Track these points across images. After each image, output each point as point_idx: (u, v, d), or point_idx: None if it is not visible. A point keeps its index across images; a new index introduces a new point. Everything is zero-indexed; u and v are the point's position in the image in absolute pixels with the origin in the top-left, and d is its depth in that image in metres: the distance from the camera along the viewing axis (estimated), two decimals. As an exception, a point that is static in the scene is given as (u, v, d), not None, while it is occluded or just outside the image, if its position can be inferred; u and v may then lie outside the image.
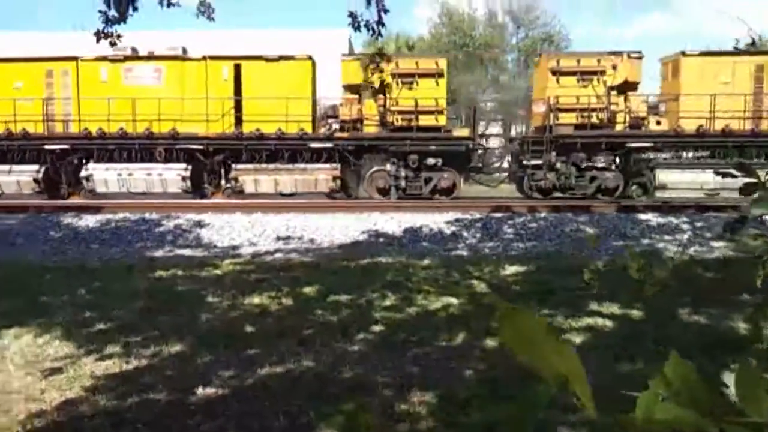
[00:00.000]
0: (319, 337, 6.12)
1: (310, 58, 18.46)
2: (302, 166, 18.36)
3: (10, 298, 7.83)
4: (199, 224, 13.52)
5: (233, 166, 18.45)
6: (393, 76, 17.61)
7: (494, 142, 20.78)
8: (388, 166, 18.34)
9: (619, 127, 18.48)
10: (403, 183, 18.15)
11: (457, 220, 13.68)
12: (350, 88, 18.72)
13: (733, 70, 17.79)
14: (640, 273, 2.60)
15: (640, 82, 19.13)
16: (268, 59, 18.28)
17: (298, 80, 18.18)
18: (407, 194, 18.13)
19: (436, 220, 13.59)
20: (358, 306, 7.34)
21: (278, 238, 12.59)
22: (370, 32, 6.50)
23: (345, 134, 18.37)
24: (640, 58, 18.47)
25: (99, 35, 5.50)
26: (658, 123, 18.63)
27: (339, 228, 13.20)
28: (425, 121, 17.93)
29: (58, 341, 6.13)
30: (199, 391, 4.85)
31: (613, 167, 18.38)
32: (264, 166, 18.40)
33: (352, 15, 6.29)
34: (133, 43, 18.00)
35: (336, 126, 18.73)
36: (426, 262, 10.13)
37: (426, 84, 17.87)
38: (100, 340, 6.11)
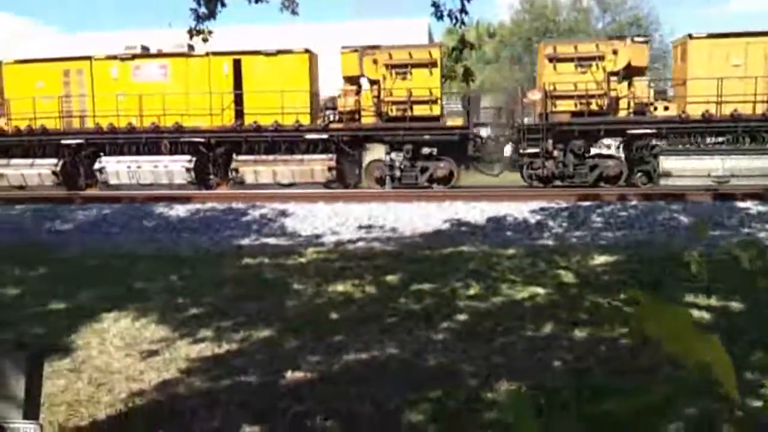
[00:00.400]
0: (403, 325, 6.12)
1: (307, 51, 18.80)
2: (299, 156, 18.79)
3: (108, 284, 8.24)
4: (284, 213, 13.80)
5: (234, 157, 19.08)
6: (387, 66, 17.81)
7: (485, 132, 20.05)
8: (383, 156, 18.56)
9: (623, 114, 17.77)
10: (398, 173, 18.20)
11: (542, 208, 13.37)
12: (349, 80, 18.85)
13: (745, 51, 16.85)
14: (752, 264, 2.42)
15: (647, 67, 18.54)
16: (267, 54, 18.88)
17: (296, 73, 18.63)
18: (403, 184, 18.12)
19: (520, 209, 13.34)
20: (441, 295, 7.30)
21: (360, 227, 12.69)
22: (453, 21, 6.44)
23: (339, 125, 18.60)
24: (645, 42, 18.09)
25: (191, 32, 5.67)
26: (666, 108, 17.80)
27: (420, 217, 13.17)
28: (419, 111, 17.95)
29: (154, 325, 6.40)
30: (288, 375, 4.94)
31: (615, 154, 17.86)
32: (263, 157, 18.91)
33: (435, 4, 6.24)
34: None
35: (332, 117, 18.93)
36: (510, 251, 9.96)
37: (420, 74, 17.81)
38: (193, 324, 6.34)
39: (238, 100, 19.16)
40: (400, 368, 5.08)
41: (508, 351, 5.44)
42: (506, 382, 4.66)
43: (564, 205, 13.67)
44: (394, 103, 17.93)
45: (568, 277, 8.13)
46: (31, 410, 2.78)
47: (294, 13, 6.15)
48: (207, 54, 18.88)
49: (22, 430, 2.71)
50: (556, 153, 17.75)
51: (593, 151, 18.74)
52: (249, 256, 9.96)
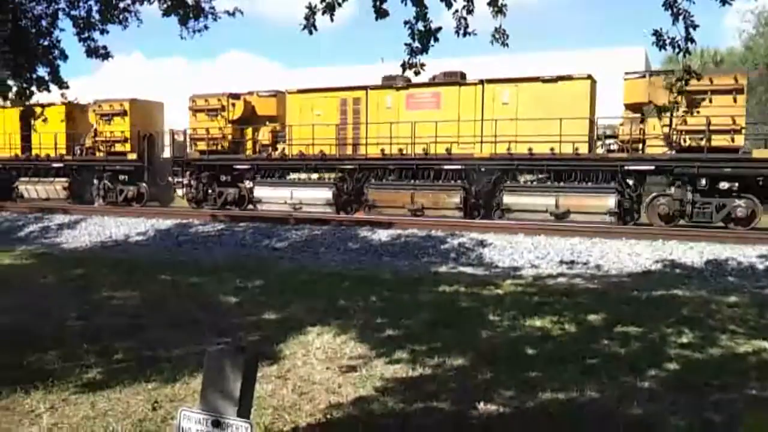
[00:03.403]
0: (605, 368, 5.74)
1: (589, 77, 17.43)
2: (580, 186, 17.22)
3: (314, 299, 8.78)
4: (482, 243, 13.76)
5: (503, 187, 17.84)
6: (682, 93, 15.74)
7: None
8: (673, 190, 16.47)
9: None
10: (689, 209, 16.02)
11: (772, 254, 11.91)
12: (632, 107, 17.30)
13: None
14: None
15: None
16: (544, 80, 17.63)
17: (576, 100, 17.17)
18: (694, 221, 16.06)
19: (746, 253, 11.99)
20: (649, 340, 6.76)
21: (562, 262, 12.24)
22: (676, 50, 6.01)
23: (623, 154, 16.95)
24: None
25: (404, 65, 5.89)
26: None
27: (628, 255, 12.38)
28: (719, 141, 15.81)
29: (353, 342, 6.66)
30: (480, 406, 4.85)
31: None
32: (535, 186, 17.75)
33: (656, 33, 5.88)
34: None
35: (615, 146, 17.44)
36: (732, 299, 8.97)
37: (721, 101, 15.67)
38: (389, 345, 6.50)
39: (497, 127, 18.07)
40: (600, 413, 4.75)
41: (725, 408, 4.86)
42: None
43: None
44: (688, 132, 16.11)
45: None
46: (244, 409, 3.01)
47: (504, 45, 6.13)
48: (481, 81, 18.46)
49: (236, 427, 2.93)
50: None
51: None
52: (446, 283, 10.04)
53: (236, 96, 22.04)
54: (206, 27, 8.30)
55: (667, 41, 5.90)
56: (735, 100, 15.67)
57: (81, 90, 11.42)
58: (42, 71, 8.50)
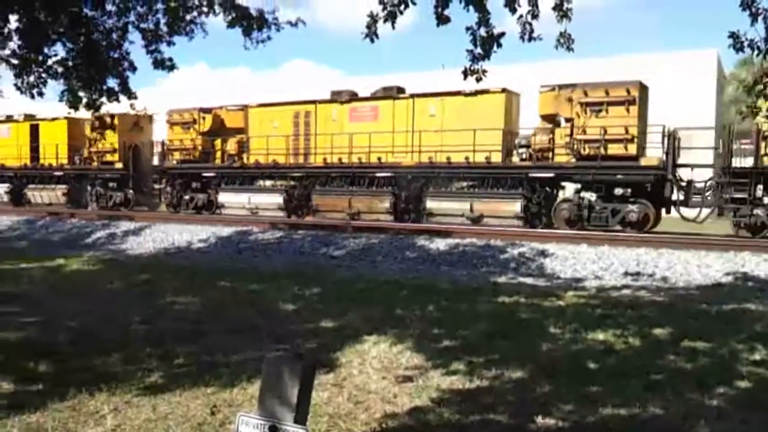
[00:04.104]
0: (671, 385, 5.52)
1: (504, 90, 18.21)
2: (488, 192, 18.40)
3: (371, 307, 8.77)
4: (543, 253, 13.51)
5: (427, 193, 19.17)
6: (581, 104, 16.87)
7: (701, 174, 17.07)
8: (572, 196, 17.65)
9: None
10: (585, 213, 17.00)
11: None
12: (545, 118, 18.23)
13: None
14: None
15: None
16: (465, 94, 18.25)
17: (491, 112, 18.29)
18: (593, 225, 16.87)
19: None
20: (718, 356, 6.47)
21: (626, 273, 11.89)
22: (755, 51, 5.79)
23: (528, 163, 18.03)
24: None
25: (466, 72, 5.84)
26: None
27: (697, 266, 11.93)
28: (614, 150, 16.65)
29: (409, 351, 6.61)
30: (539, 420, 4.73)
31: None
32: (453, 192, 19.05)
33: (733, 35, 5.67)
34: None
35: (526, 155, 18.42)
36: (812, 315, 8.52)
37: (616, 112, 16.62)
38: (446, 355, 6.42)
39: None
40: (664, 431, 4.56)
41: (803, 432, 4.59)
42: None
43: None
44: (587, 141, 17.00)
45: None
46: (300, 416, 3.00)
47: (569, 49, 6.00)
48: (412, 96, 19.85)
49: (292, 433, 2.93)
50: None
51: None
52: (505, 294, 9.88)
53: (207, 110, 24.26)
54: (269, 38, 8.47)
55: (745, 43, 5.69)
56: (628, 111, 16.55)
57: (147, 100, 11.86)
58: (112, 82, 8.83)
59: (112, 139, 24.75)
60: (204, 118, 23.83)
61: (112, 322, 7.81)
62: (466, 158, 18.29)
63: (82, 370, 5.83)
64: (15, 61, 8.63)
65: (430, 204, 18.92)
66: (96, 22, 8.69)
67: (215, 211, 23.20)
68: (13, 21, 8.32)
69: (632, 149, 16.58)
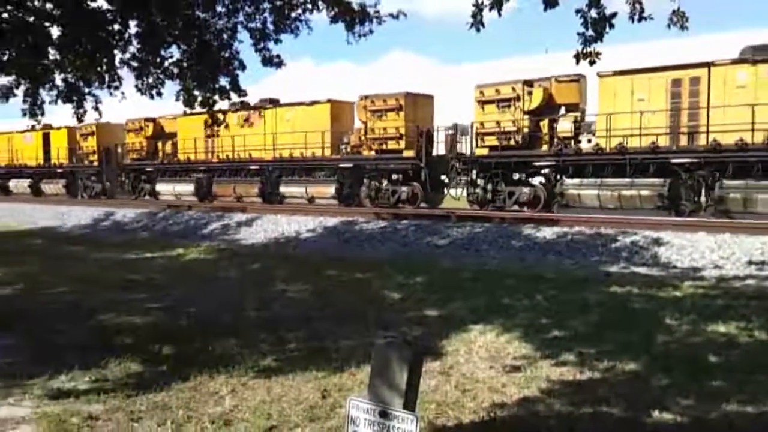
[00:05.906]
0: (803, 382, 5.14)
1: (329, 101, 23.79)
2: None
3: (477, 296, 8.73)
4: (657, 242, 12.87)
5: (281, 180, 24.87)
6: (369, 111, 21.81)
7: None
8: (364, 181, 22.81)
9: (544, 147, 19.06)
10: (373, 194, 22.38)
11: None
12: (362, 122, 22.71)
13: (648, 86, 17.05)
14: None
15: (578, 103, 19.09)
16: (305, 104, 24.32)
17: (320, 118, 23.83)
18: (379, 203, 21.95)
19: None
20: None
21: (750, 263, 11.12)
22: None
23: (338, 156, 23.38)
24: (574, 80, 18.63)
25: (578, 56, 5.64)
26: (589, 141, 18.31)
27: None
28: (392, 145, 21.67)
29: (517, 341, 6.53)
30: (655, 414, 4.55)
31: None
32: (294, 179, 24.50)
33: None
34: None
35: (344, 150, 23.53)
36: None
37: (392, 116, 21.54)
38: (555, 346, 6.29)
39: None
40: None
41: None
42: None
43: None
44: (374, 139, 22.00)
45: None
46: (409, 402, 3.04)
47: (683, 28, 5.65)
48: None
49: (402, 419, 2.97)
50: (480, 182, 20.34)
51: None
52: (616, 284, 9.54)
53: (151, 119, 29.47)
54: (371, 31, 8.56)
55: None
56: (398, 115, 21.42)
57: (254, 96, 12.28)
58: (223, 81, 9.23)
59: (92, 143, 32.01)
60: (148, 125, 29.70)
61: (228, 308, 8.21)
62: (301, 153, 24.06)
63: (202, 352, 6.17)
64: (135, 64, 9.18)
65: (283, 189, 24.66)
66: (208, 23, 9.10)
67: (156, 197, 28.82)
68: (133, 26, 8.85)
69: (402, 145, 21.47)
